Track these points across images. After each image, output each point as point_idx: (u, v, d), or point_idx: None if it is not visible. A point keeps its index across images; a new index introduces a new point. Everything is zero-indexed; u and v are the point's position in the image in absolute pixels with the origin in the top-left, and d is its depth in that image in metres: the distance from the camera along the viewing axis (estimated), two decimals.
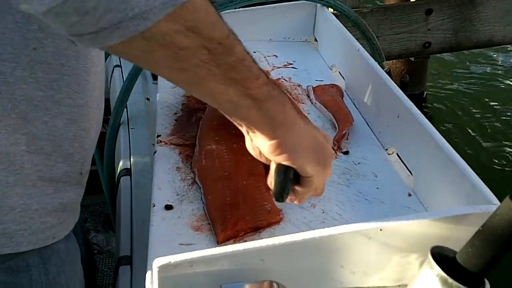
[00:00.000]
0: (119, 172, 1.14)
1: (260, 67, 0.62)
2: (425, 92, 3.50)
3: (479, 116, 3.41)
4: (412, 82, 3.21)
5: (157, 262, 0.59)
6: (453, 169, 0.73)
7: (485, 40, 2.47)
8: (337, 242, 0.62)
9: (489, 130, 3.26)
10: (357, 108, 1.07)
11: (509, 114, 3.42)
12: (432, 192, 0.79)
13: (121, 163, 1.15)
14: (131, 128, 1.25)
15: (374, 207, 0.79)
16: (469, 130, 3.25)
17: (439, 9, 2.36)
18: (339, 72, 1.22)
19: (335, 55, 1.25)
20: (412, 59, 2.75)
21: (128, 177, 1.12)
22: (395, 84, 0.92)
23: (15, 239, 0.74)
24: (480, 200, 0.68)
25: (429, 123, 0.81)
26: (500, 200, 0.67)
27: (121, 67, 1.50)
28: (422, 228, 0.62)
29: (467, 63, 4.02)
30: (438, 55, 3.06)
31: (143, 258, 0.91)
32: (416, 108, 0.85)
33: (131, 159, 1.16)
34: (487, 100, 3.58)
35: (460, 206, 0.66)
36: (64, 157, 0.73)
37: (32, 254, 0.77)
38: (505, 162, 2.96)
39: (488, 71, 3.96)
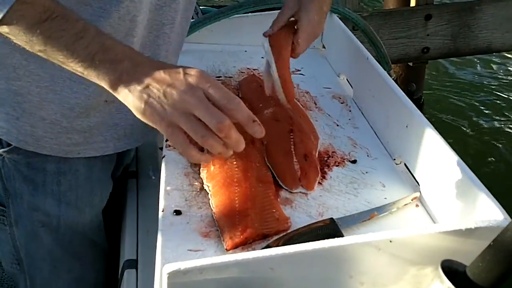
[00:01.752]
0: (125, 174, 1.15)
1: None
2: (423, 98, 3.51)
3: (476, 121, 3.43)
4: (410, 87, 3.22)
5: (167, 268, 0.59)
6: (462, 182, 0.74)
7: (483, 47, 2.49)
8: (346, 253, 0.62)
9: (486, 135, 3.27)
10: (365, 117, 1.07)
11: (504, 120, 3.44)
12: (440, 204, 0.80)
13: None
14: None
15: (382, 217, 0.79)
16: (467, 136, 3.26)
17: (438, 15, 2.37)
18: (346, 80, 1.22)
19: (343, 63, 1.25)
20: (411, 64, 2.76)
21: (134, 179, 1.12)
22: (404, 95, 0.92)
23: (40, 143, 0.87)
24: (488, 214, 0.68)
25: (439, 135, 0.81)
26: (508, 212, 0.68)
27: None
28: (432, 241, 0.62)
29: (465, 69, 4.04)
30: (435, 60, 3.07)
31: (148, 262, 0.92)
32: (426, 119, 0.85)
33: (138, 161, 1.17)
34: (483, 107, 3.60)
35: (470, 219, 0.66)
36: (96, 88, 0.78)
37: (51, 161, 0.90)
38: (504, 169, 2.97)
39: (486, 77, 3.98)
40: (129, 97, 0.66)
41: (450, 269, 0.56)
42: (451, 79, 3.94)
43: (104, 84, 0.67)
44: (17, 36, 0.66)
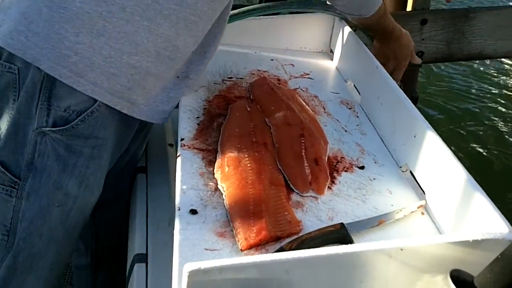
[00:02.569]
0: (135, 170, 1.17)
1: None
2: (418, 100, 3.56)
3: (468, 123, 3.49)
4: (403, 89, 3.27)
5: (188, 267, 0.61)
6: (467, 193, 0.77)
7: (476, 53, 2.54)
8: (359, 259, 0.65)
9: (479, 137, 3.33)
10: (372, 124, 1.10)
11: (496, 122, 3.50)
12: (445, 213, 0.83)
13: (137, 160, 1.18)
14: None
15: (389, 224, 0.82)
16: (459, 136, 3.32)
17: (433, 20, 2.42)
18: (354, 86, 1.25)
19: (351, 69, 1.28)
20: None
21: (144, 174, 1.15)
22: (413, 105, 0.95)
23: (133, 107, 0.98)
24: (492, 225, 0.71)
25: (446, 146, 0.84)
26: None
27: None
28: (440, 250, 0.65)
29: (457, 74, 4.10)
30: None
31: (158, 257, 0.95)
32: (433, 130, 0.88)
33: (148, 157, 1.19)
34: (476, 110, 3.66)
35: (476, 231, 0.69)
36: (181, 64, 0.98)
37: (88, 145, 0.96)
38: (498, 170, 3.03)
39: (478, 82, 4.04)
40: None
41: (459, 279, 0.59)
42: (443, 82, 4.00)
43: None
44: None
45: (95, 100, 0.92)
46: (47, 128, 0.92)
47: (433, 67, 4.03)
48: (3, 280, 1.01)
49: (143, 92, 0.96)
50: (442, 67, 4.12)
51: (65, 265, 1.08)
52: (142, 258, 0.94)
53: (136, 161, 1.20)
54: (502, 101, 3.78)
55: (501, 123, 3.54)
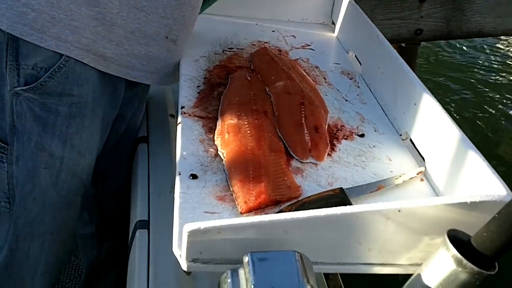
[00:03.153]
0: (136, 140, 1.18)
1: None
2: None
3: (468, 101, 3.48)
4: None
5: (188, 227, 0.62)
6: (466, 158, 0.77)
7: (475, 31, 2.52)
8: (357, 220, 0.65)
9: (480, 118, 3.33)
10: (372, 93, 1.10)
11: (495, 98, 3.50)
12: (444, 178, 0.83)
13: (138, 131, 1.18)
14: (149, 97, 1.28)
15: (388, 189, 0.83)
16: (459, 116, 3.32)
17: None
18: (355, 56, 1.24)
19: (352, 40, 1.27)
20: (403, 45, 2.79)
21: (146, 144, 1.15)
22: (414, 74, 0.95)
23: (107, 63, 0.96)
24: (491, 189, 0.71)
25: (446, 113, 0.84)
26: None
27: None
28: (438, 212, 0.66)
29: (456, 52, 4.08)
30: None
31: (160, 223, 0.96)
32: (433, 97, 0.88)
33: (149, 127, 1.19)
34: (477, 87, 3.65)
35: (476, 193, 0.70)
36: (157, 19, 0.95)
37: (64, 103, 0.94)
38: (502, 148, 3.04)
39: (477, 60, 4.03)
40: None
41: (455, 238, 0.60)
42: (443, 60, 3.99)
43: None
44: None
45: (61, 55, 0.91)
46: (19, 88, 0.91)
47: (431, 45, 4.01)
48: (10, 248, 1.03)
49: (111, 45, 0.94)
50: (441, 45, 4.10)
51: (68, 232, 1.09)
52: (144, 224, 0.95)
53: (135, 130, 1.20)
54: (502, 76, 3.77)
55: (499, 97, 3.53)
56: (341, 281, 0.94)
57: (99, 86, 0.98)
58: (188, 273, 0.84)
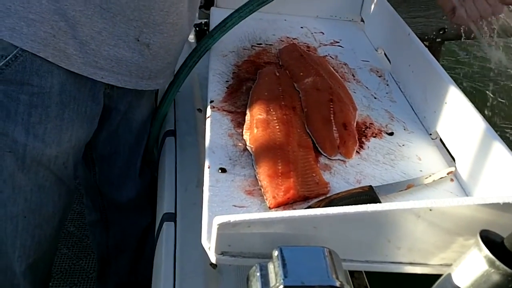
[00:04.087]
0: (164, 133, 1.19)
1: None
2: None
3: (492, 102, 3.42)
4: None
5: (218, 220, 0.62)
6: (498, 160, 0.76)
7: (500, 32, 2.46)
8: (387, 218, 0.65)
9: (502, 116, 3.27)
10: (402, 91, 1.09)
11: None
12: (474, 179, 0.82)
13: (166, 124, 1.19)
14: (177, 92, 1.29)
15: (417, 188, 0.82)
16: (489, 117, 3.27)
17: None
18: (384, 54, 1.23)
19: (382, 37, 1.26)
20: (427, 44, 2.76)
21: (173, 137, 1.16)
22: (445, 72, 0.94)
23: (70, 61, 0.95)
24: None
25: (478, 113, 0.83)
26: None
27: None
28: (470, 212, 0.65)
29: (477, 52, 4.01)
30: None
31: (187, 216, 0.96)
32: (465, 97, 0.87)
33: (176, 121, 1.20)
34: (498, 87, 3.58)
35: (508, 194, 0.69)
36: (125, 21, 0.94)
37: (25, 92, 0.94)
38: None
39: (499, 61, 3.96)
40: None
41: (488, 239, 0.59)
42: (465, 60, 3.92)
43: None
44: None
45: (16, 46, 0.91)
46: None
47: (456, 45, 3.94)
48: None
49: (74, 42, 0.93)
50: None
51: (44, 217, 1.09)
52: (171, 217, 0.96)
53: (135, 121, 1.18)
54: None
55: None
56: (366, 280, 0.93)
57: (69, 79, 0.97)
58: (214, 266, 0.84)
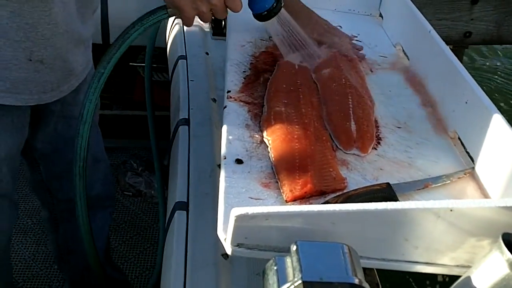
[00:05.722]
0: (178, 122, 1.18)
1: None
2: None
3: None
4: None
5: (235, 212, 0.62)
6: None
7: None
8: (406, 216, 0.64)
9: None
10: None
11: None
12: (493, 180, 0.81)
13: (180, 113, 1.18)
14: (191, 80, 1.28)
15: (435, 188, 0.81)
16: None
17: (485, 0, 2.32)
18: (403, 50, 1.22)
19: (401, 34, 1.25)
20: (451, 47, 2.73)
21: (187, 126, 1.15)
22: (467, 72, 0.93)
23: None
24: None
25: (500, 114, 0.82)
26: None
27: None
28: (491, 214, 0.64)
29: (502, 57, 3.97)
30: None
31: (199, 206, 0.96)
32: (487, 97, 0.86)
33: (190, 110, 1.19)
34: None
35: None
36: (11, 43, 0.92)
37: None
38: None
39: None
40: None
41: (510, 242, 0.58)
42: (488, 64, 3.88)
43: None
44: None
45: None
46: None
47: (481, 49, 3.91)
48: None
49: None
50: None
51: None
52: (183, 206, 0.95)
53: (74, 117, 1.08)
54: None
55: None
56: (377, 278, 0.92)
57: None
58: (226, 256, 0.84)
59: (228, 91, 0.95)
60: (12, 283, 1.34)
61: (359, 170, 0.83)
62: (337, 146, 0.87)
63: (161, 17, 0.86)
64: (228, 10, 0.87)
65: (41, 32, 0.96)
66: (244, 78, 1.01)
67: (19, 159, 1.13)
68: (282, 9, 0.96)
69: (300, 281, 0.53)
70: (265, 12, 0.95)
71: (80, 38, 1.07)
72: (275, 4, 0.94)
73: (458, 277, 0.66)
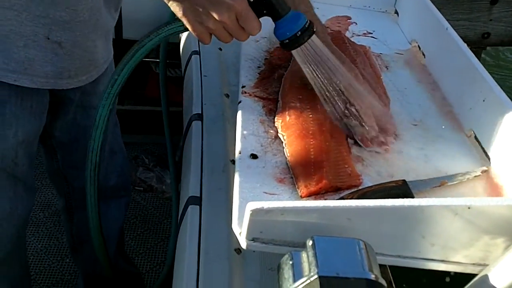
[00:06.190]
0: (191, 117, 1.18)
1: None
2: None
3: None
4: None
5: (251, 206, 0.62)
6: None
7: None
8: (423, 213, 0.63)
9: None
10: (436, 87, 1.07)
11: None
12: (509, 179, 0.80)
13: (193, 108, 1.18)
14: (204, 76, 1.28)
15: (451, 186, 0.80)
16: None
17: (505, 0, 2.28)
18: (418, 47, 1.21)
19: (417, 30, 1.24)
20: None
21: (200, 122, 1.15)
22: (485, 70, 0.92)
23: None
24: None
25: None
26: None
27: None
28: (510, 212, 0.63)
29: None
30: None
31: (212, 200, 0.96)
32: (506, 96, 0.85)
33: (203, 105, 1.19)
34: None
35: None
36: (32, 18, 0.91)
37: None
38: None
39: None
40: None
41: None
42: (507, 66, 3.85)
43: None
44: None
45: None
46: None
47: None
48: None
49: None
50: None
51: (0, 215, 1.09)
52: (196, 200, 0.95)
53: (94, 107, 1.10)
54: None
55: None
56: (390, 275, 0.92)
57: None
58: (239, 251, 0.84)
59: (243, 86, 0.95)
60: (29, 274, 1.33)
61: (375, 167, 0.82)
62: (354, 143, 0.86)
63: (177, 29, 0.84)
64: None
65: (60, 13, 0.95)
66: (259, 73, 1.01)
67: (37, 146, 1.12)
68: (316, 38, 0.81)
69: (316, 276, 0.52)
70: (287, 41, 0.81)
71: (103, 30, 1.07)
72: (299, 33, 0.80)
73: (467, 275, 0.65)
